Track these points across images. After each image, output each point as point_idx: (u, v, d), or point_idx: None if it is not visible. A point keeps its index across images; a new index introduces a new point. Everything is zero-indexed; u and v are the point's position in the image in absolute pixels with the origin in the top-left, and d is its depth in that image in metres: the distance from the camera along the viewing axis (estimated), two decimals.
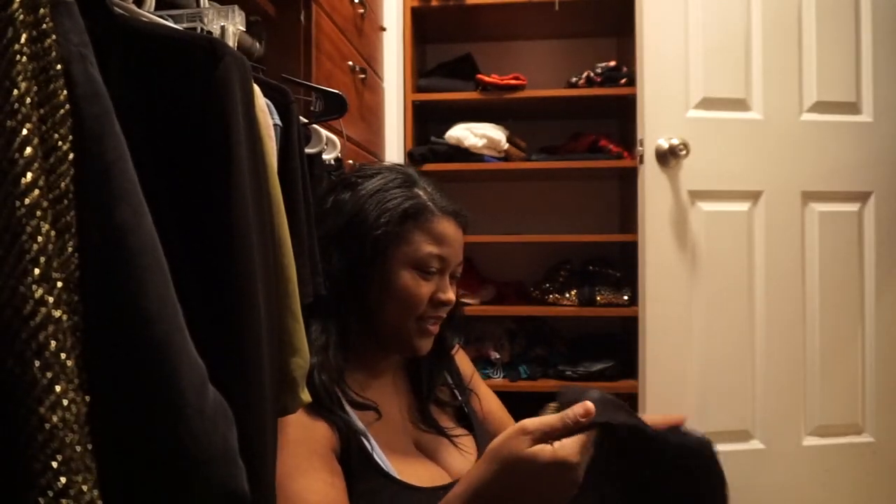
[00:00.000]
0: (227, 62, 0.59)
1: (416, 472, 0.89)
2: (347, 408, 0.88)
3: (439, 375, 1.04)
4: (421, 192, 0.94)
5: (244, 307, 0.59)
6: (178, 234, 0.55)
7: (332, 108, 1.16)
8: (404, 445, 0.94)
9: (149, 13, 0.66)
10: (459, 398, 1.07)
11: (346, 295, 0.91)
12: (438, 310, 0.94)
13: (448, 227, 0.94)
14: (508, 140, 2.18)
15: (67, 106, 0.44)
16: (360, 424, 0.88)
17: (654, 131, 1.89)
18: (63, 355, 0.40)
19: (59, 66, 0.44)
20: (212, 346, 0.52)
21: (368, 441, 0.87)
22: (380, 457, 0.86)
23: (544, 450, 0.64)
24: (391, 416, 0.94)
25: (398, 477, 0.86)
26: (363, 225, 0.90)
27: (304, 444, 0.82)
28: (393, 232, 0.90)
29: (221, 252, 0.59)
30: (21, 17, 0.41)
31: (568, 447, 0.64)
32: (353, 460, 0.85)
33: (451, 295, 0.94)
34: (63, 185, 0.43)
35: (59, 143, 0.43)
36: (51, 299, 0.40)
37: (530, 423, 0.66)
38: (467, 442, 1.00)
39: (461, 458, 0.97)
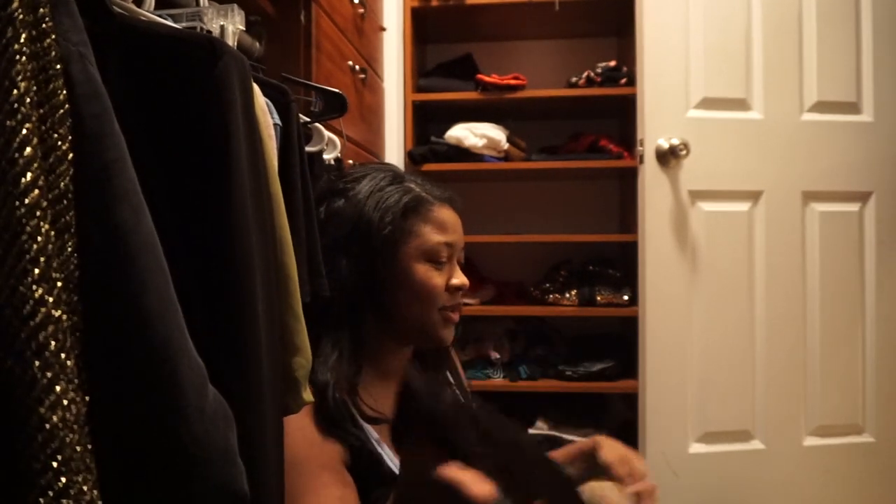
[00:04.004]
0: (226, 61, 0.59)
1: None
2: (359, 418, 0.89)
3: (444, 366, 1.05)
4: (413, 185, 0.95)
5: (242, 306, 0.59)
6: (177, 234, 0.55)
7: (333, 107, 1.15)
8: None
9: (148, 12, 0.66)
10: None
11: (360, 301, 0.91)
12: (456, 296, 0.96)
13: (447, 214, 0.96)
14: (508, 140, 2.17)
15: (67, 105, 0.44)
16: (373, 432, 0.89)
17: (654, 131, 1.89)
18: (63, 355, 0.40)
19: (58, 66, 0.44)
20: (210, 346, 0.52)
21: (380, 447, 0.88)
22: (390, 459, 0.88)
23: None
24: None
25: None
26: (368, 227, 0.91)
27: (313, 461, 0.82)
28: (399, 228, 0.91)
29: (220, 252, 0.58)
30: (21, 16, 0.41)
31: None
32: (364, 471, 0.86)
33: (464, 279, 0.96)
34: (63, 184, 0.43)
35: (59, 142, 0.43)
36: (51, 299, 0.40)
37: None
38: None
39: None
